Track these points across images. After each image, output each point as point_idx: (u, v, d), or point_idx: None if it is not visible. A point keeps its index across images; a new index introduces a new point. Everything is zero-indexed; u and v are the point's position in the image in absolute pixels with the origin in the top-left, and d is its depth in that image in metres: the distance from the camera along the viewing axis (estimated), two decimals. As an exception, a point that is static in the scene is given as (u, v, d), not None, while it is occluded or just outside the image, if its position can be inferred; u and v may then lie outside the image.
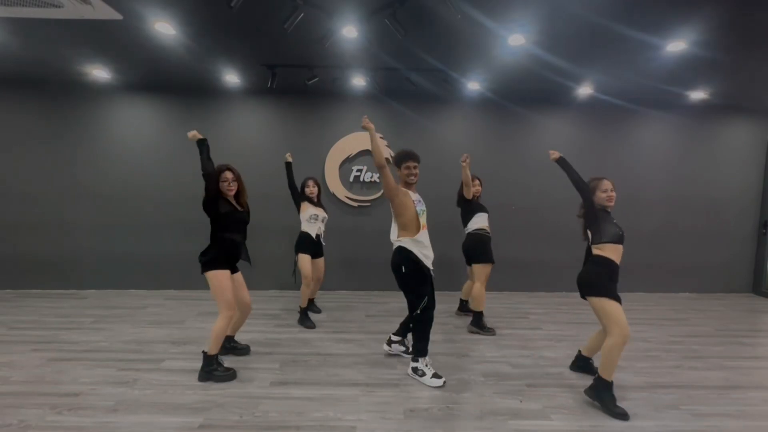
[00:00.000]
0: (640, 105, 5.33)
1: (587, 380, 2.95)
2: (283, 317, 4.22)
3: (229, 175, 2.87)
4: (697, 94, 4.93)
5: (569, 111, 5.39)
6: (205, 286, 2.96)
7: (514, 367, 3.15)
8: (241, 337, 3.47)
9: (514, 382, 2.91)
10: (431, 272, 2.95)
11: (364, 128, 2.90)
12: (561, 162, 2.81)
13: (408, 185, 2.95)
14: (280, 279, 5.00)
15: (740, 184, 5.67)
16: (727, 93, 4.87)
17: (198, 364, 2.95)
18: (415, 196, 2.97)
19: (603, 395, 2.59)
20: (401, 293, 3.01)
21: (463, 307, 4.38)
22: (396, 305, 3.24)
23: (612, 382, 2.58)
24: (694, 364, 3.32)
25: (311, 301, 4.46)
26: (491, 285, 5.26)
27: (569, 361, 3.20)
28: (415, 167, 2.94)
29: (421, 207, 2.96)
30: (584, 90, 4.83)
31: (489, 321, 4.24)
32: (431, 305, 2.93)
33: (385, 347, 3.35)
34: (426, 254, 2.91)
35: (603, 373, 2.59)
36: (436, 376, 2.88)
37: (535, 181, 5.41)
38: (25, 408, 2.44)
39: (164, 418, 2.37)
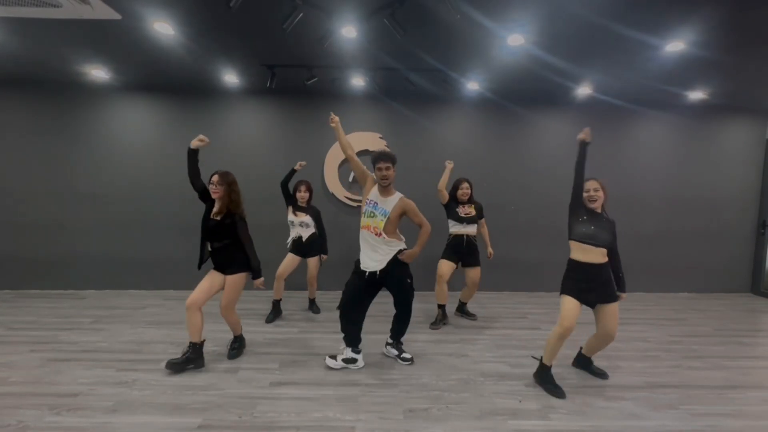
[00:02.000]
0: (639, 105, 5.33)
1: (586, 380, 2.97)
2: (282, 317, 4.21)
3: (214, 178, 2.96)
4: (696, 94, 4.94)
5: (569, 111, 5.39)
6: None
7: (513, 367, 3.15)
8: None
9: (514, 382, 2.91)
10: (372, 275, 2.97)
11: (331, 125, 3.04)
12: (583, 146, 2.87)
13: (382, 187, 2.98)
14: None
15: (739, 184, 5.67)
16: (725, 93, 4.87)
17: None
18: (375, 196, 2.98)
19: (544, 378, 2.83)
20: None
21: (461, 309, 4.39)
22: (396, 306, 3.23)
23: (550, 366, 2.82)
24: (693, 363, 3.32)
25: (312, 302, 4.47)
26: (491, 285, 5.32)
27: (568, 361, 3.22)
28: (387, 168, 2.90)
29: (370, 208, 2.96)
30: (583, 90, 4.83)
31: (488, 321, 4.27)
32: (347, 303, 3.03)
33: (384, 349, 3.38)
34: (362, 256, 3.02)
35: (544, 358, 2.84)
36: (333, 357, 3.09)
37: (535, 181, 5.41)
38: (24, 408, 2.44)
39: (163, 419, 2.37)
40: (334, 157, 5.21)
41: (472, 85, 4.70)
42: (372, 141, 5.19)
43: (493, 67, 4.10)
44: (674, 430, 2.40)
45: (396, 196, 2.99)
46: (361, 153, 5.22)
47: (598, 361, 3.15)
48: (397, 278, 3.02)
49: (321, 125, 5.21)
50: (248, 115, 5.18)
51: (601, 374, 3.02)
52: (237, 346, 3.27)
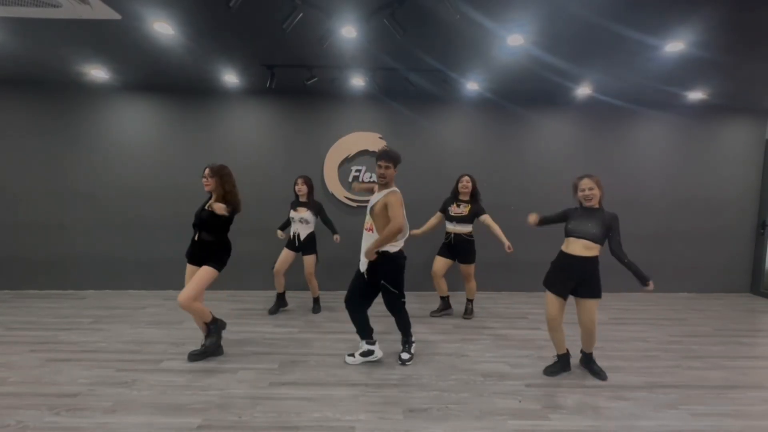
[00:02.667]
0: (639, 105, 5.33)
1: (586, 380, 2.98)
2: (281, 317, 4.22)
3: (206, 171, 3.08)
4: (696, 95, 4.93)
5: (568, 111, 5.39)
6: (204, 286, 3.04)
7: (513, 367, 3.15)
8: (240, 337, 3.47)
9: (513, 382, 2.91)
10: (364, 273, 3.06)
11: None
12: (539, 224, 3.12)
13: (380, 185, 3.05)
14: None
15: (738, 185, 5.67)
16: (725, 93, 4.87)
17: (197, 365, 3.02)
18: (373, 196, 3.09)
19: (556, 365, 3.08)
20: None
21: (466, 308, 4.42)
22: (395, 305, 3.22)
23: (563, 353, 3.04)
24: (692, 363, 3.32)
25: (315, 300, 4.49)
26: (490, 285, 5.34)
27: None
28: (387, 167, 2.93)
29: (368, 208, 3.09)
30: (583, 90, 4.83)
31: (487, 321, 4.27)
32: (347, 296, 3.12)
33: None
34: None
35: (555, 348, 3.07)
36: (352, 355, 3.18)
37: (535, 181, 5.41)
38: (23, 409, 2.44)
39: (163, 419, 2.37)
40: (333, 157, 5.20)
41: (472, 85, 4.70)
42: (372, 141, 5.19)
43: (493, 67, 4.10)
44: (674, 430, 2.40)
45: (385, 191, 2.97)
46: (361, 153, 5.23)
47: (599, 361, 3.15)
48: (380, 278, 3.03)
49: (321, 125, 5.21)
50: (248, 115, 5.18)
51: (599, 374, 3.02)
52: (201, 351, 3.13)
